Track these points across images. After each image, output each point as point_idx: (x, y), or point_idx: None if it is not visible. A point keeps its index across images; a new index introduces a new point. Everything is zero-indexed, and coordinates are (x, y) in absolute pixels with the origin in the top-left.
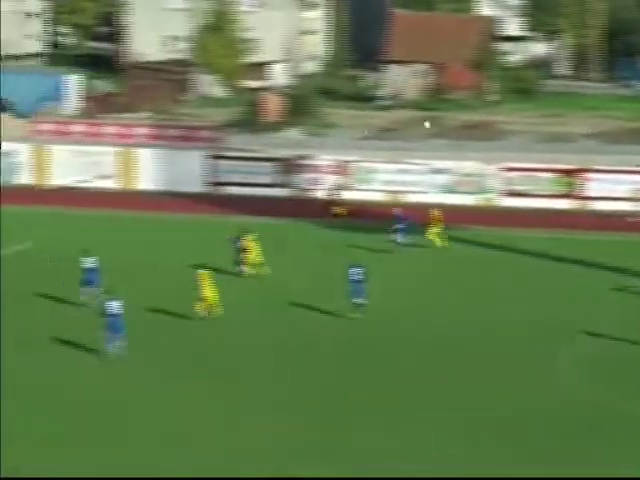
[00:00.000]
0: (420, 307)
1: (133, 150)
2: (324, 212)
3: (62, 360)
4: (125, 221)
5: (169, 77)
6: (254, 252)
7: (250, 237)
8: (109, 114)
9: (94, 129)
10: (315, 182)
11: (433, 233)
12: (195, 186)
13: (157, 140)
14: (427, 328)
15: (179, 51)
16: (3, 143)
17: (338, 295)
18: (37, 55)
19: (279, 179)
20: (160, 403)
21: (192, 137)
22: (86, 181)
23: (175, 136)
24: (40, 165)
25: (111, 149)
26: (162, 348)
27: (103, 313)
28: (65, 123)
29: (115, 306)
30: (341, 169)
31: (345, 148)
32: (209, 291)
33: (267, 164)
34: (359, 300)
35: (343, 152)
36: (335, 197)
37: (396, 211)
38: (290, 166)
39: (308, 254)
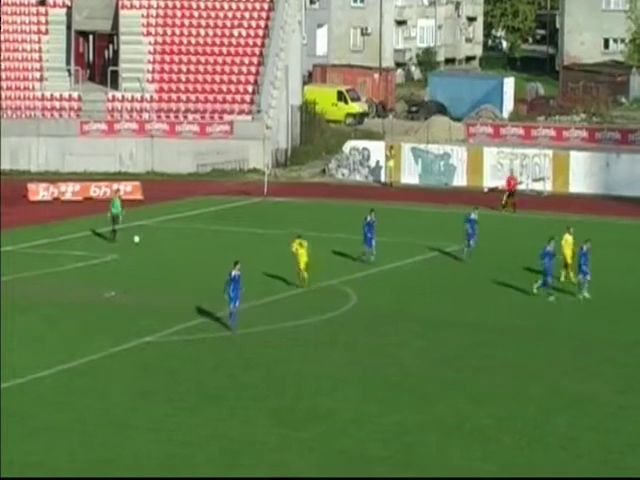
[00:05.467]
0: None
1: (566, 153)
2: None
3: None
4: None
5: (604, 79)
6: None
7: None
8: (542, 116)
9: (528, 131)
10: None
11: None
12: (634, 190)
13: (591, 143)
14: None
15: (615, 53)
16: (439, 145)
17: None
18: (473, 58)
19: None
20: None
21: (629, 140)
22: (519, 183)
23: (611, 139)
24: (473, 167)
25: (545, 152)
26: None
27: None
28: (499, 126)
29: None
30: None
31: None
32: None
33: None
34: None
35: None
36: None
37: None
38: None
39: None
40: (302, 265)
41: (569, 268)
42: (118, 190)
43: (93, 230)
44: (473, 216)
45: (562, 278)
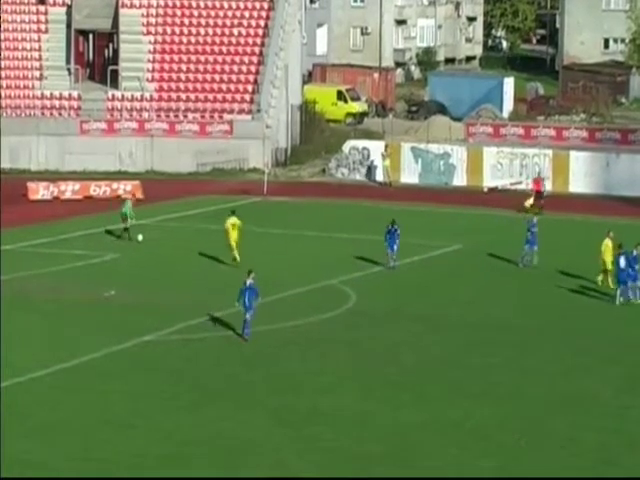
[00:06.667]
0: None
1: (566, 153)
2: None
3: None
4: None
5: (604, 79)
6: None
7: None
8: (542, 116)
9: (528, 131)
10: None
11: None
12: (634, 190)
13: (591, 143)
14: None
15: (615, 53)
16: (439, 145)
17: None
18: (473, 58)
19: None
20: None
21: (629, 140)
22: (519, 183)
23: (611, 139)
24: (473, 167)
25: (545, 151)
26: None
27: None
28: (499, 125)
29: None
30: None
31: None
32: None
33: None
34: None
35: None
36: None
37: None
38: None
39: None
40: (233, 243)
41: (608, 274)
42: (133, 194)
43: (102, 229)
44: (535, 221)
45: (599, 283)
